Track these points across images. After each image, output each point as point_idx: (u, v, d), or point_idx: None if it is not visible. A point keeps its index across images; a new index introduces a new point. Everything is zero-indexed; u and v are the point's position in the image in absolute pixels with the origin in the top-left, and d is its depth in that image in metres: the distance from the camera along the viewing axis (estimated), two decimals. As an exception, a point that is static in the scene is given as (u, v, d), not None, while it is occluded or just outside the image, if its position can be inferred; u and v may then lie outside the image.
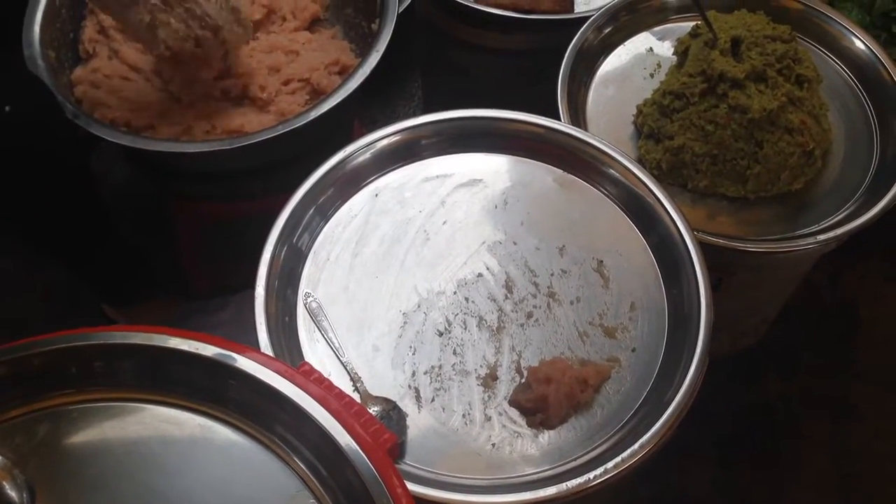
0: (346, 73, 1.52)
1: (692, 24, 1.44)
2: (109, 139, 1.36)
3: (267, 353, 1.03)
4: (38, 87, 1.42)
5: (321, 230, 1.19)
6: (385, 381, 1.08)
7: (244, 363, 0.82)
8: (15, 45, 1.44)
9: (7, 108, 1.32)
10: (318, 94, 1.52)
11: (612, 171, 1.23)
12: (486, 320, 1.13)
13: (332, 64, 1.56)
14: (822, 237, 1.29)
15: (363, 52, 1.53)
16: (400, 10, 1.58)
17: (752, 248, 1.29)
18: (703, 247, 1.15)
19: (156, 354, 0.82)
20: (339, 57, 1.57)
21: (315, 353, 1.10)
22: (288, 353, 1.07)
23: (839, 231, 1.29)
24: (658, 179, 1.24)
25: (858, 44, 1.50)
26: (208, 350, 0.82)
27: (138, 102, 1.47)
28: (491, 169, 1.26)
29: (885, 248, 1.98)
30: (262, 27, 1.63)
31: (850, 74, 1.50)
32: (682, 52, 1.42)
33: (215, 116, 1.45)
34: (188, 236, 1.83)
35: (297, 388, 0.80)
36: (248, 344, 1.02)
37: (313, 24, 1.70)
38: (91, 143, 1.41)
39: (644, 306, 1.14)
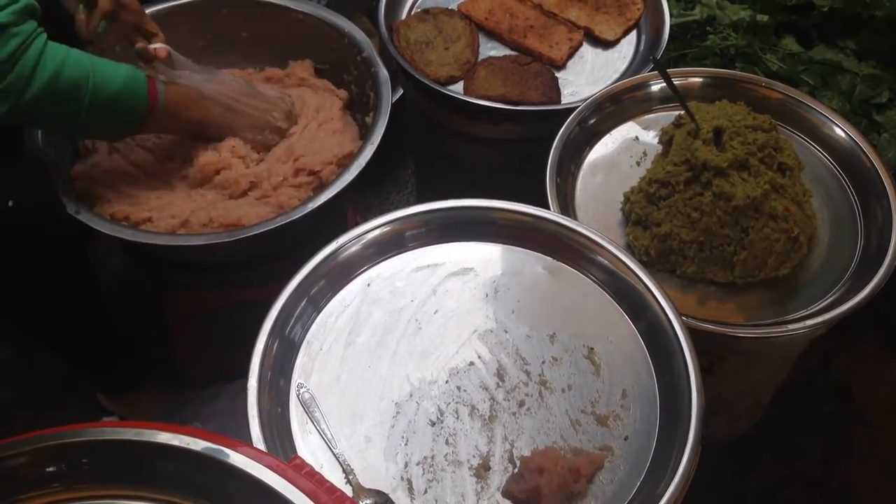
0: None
1: (676, 113, 1.48)
2: (110, 234, 1.39)
3: (259, 446, 1.02)
4: (39, 181, 1.45)
5: (314, 321, 1.20)
6: (378, 472, 1.07)
7: (235, 458, 0.81)
8: (17, 142, 1.48)
9: (10, 203, 1.35)
10: (323, 188, 1.55)
11: (600, 258, 1.24)
12: (478, 409, 1.13)
13: (345, 157, 1.58)
14: (811, 322, 1.30)
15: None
16: (392, 101, 1.62)
17: (742, 333, 1.30)
18: (694, 332, 1.16)
19: (145, 450, 0.81)
20: (353, 149, 1.60)
21: (307, 444, 1.09)
22: (280, 446, 1.06)
23: (828, 315, 1.30)
24: (647, 266, 1.26)
25: (839, 131, 1.54)
26: (198, 445, 0.81)
27: (137, 196, 1.50)
28: (482, 257, 1.28)
29: (876, 329, 1.99)
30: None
31: (832, 161, 1.54)
32: (666, 141, 1.46)
33: (212, 209, 1.48)
34: (183, 324, 1.83)
35: (287, 484, 0.80)
36: (242, 435, 1.03)
37: None
38: (90, 233, 1.43)
39: (636, 393, 1.14)
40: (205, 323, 1.77)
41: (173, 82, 1.45)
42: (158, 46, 1.43)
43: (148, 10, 1.67)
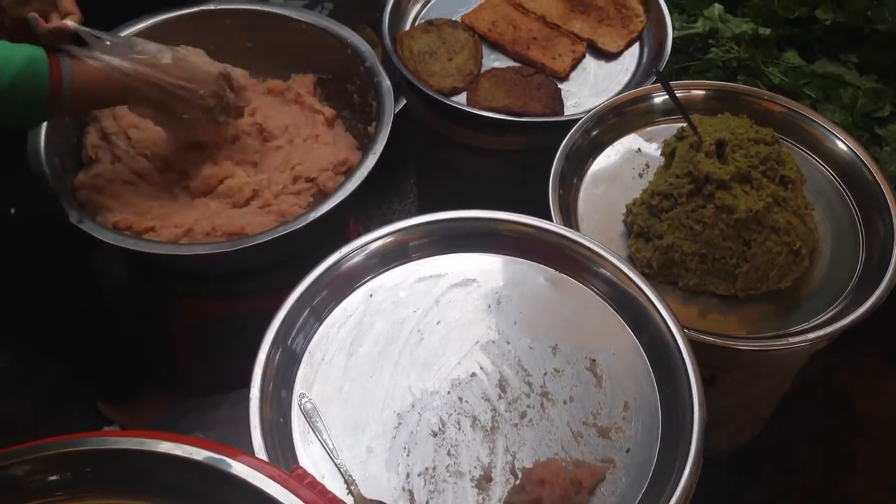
0: (351, 171, 1.55)
1: (678, 125, 1.48)
2: (113, 243, 1.39)
3: (261, 456, 1.02)
4: (41, 189, 1.46)
5: (316, 331, 1.20)
6: (379, 483, 1.07)
7: (237, 468, 0.81)
8: (22, 150, 1.48)
9: (12, 211, 1.35)
10: (322, 195, 1.55)
11: (603, 270, 1.25)
12: (479, 420, 1.13)
13: (340, 164, 1.59)
14: (812, 335, 1.30)
15: (361, 150, 1.57)
16: (395, 111, 1.63)
17: (743, 346, 1.30)
18: (695, 345, 1.16)
19: (148, 459, 0.81)
20: (348, 156, 1.61)
21: (309, 454, 1.09)
22: (282, 456, 1.06)
23: (829, 329, 1.30)
24: (649, 278, 1.26)
25: (841, 145, 1.54)
26: (200, 454, 0.81)
27: (140, 206, 1.50)
28: (484, 268, 1.28)
29: (877, 343, 1.99)
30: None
31: (834, 174, 1.54)
32: (668, 153, 1.46)
33: (216, 217, 1.48)
34: (184, 333, 1.84)
35: (289, 494, 0.80)
36: (244, 445, 1.02)
37: None
38: (92, 242, 1.43)
39: (637, 406, 1.14)
40: (207, 331, 1.77)
41: (82, 59, 1.33)
42: (60, 23, 1.30)
43: (152, 20, 1.68)
